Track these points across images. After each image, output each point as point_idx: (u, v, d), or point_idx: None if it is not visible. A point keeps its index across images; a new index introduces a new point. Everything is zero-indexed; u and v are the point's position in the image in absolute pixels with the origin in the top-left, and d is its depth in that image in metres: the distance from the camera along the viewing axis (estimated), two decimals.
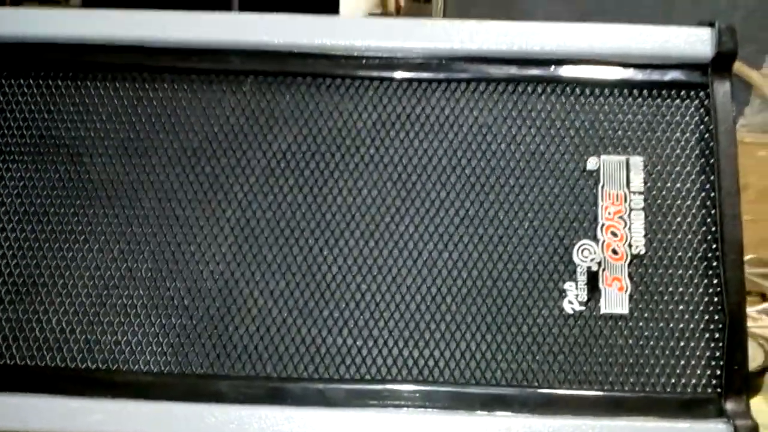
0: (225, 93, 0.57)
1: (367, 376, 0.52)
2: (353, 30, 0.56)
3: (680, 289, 0.52)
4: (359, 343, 0.53)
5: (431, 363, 0.52)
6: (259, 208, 0.55)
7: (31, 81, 0.57)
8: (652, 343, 0.52)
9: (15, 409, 0.52)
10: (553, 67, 0.56)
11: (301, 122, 0.56)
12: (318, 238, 0.54)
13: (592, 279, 0.52)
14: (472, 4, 1.07)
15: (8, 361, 0.53)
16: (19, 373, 0.53)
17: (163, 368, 0.53)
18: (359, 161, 0.55)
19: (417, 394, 0.51)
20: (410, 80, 0.56)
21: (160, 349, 0.54)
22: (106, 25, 0.57)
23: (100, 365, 0.53)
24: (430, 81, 0.56)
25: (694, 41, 0.55)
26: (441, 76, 0.56)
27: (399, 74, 0.57)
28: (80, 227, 0.55)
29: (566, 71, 0.56)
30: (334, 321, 0.53)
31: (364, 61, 0.57)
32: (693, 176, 0.54)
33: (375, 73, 0.57)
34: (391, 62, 0.57)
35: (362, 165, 0.55)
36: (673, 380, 0.51)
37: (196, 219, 0.55)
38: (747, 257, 0.54)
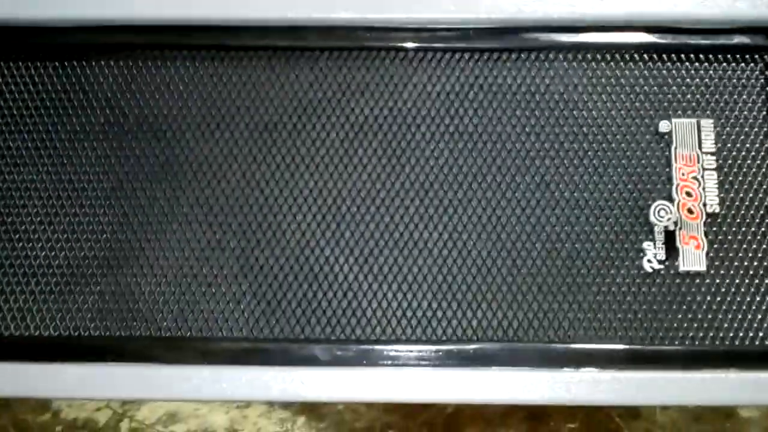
0: (302, 69, 0.58)
1: (464, 337, 0.53)
2: (425, 2, 0.57)
3: (754, 246, 0.54)
4: (453, 305, 0.54)
5: (516, 324, 0.54)
6: (339, 179, 0.56)
7: (111, 62, 0.58)
8: (729, 298, 0.54)
9: (114, 378, 0.54)
10: (621, 33, 0.57)
11: (377, 95, 0.57)
12: (398, 205, 0.56)
13: (670, 238, 0.54)
14: None
15: (102, 333, 0.54)
16: (113, 343, 0.54)
17: (254, 334, 0.54)
18: (435, 131, 0.57)
19: (506, 354, 0.53)
20: (482, 50, 0.57)
21: (251, 316, 0.55)
22: (187, 5, 0.57)
23: (194, 333, 0.54)
24: (501, 50, 0.57)
25: (759, 5, 0.56)
26: (512, 45, 0.57)
27: (471, 44, 0.57)
28: (168, 201, 0.56)
29: (634, 38, 0.57)
30: (418, 285, 0.55)
31: (436, 33, 0.57)
32: (761, 136, 0.55)
33: (447, 45, 0.58)
34: (462, 33, 0.57)
35: (438, 135, 0.57)
36: (751, 333, 0.53)
37: (279, 190, 0.56)
38: None
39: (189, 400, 0.59)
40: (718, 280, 0.54)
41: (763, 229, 0.55)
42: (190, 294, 0.55)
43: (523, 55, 0.58)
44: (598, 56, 0.57)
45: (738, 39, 0.57)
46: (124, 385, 0.54)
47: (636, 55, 0.57)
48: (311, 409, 0.64)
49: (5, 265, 0.56)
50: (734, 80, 0.57)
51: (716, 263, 0.54)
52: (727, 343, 0.53)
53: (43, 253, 0.56)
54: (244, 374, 0.54)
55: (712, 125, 0.56)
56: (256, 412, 0.65)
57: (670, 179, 0.55)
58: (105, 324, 0.56)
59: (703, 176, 0.55)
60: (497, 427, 0.64)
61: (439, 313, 0.55)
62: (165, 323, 0.55)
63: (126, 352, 0.55)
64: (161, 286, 0.56)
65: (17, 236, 0.56)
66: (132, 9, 0.58)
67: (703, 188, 0.55)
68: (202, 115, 0.58)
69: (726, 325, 0.54)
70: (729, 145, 0.56)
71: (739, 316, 0.54)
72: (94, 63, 0.59)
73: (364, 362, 0.54)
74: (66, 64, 0.59)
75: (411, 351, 0.54)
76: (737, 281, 0.54)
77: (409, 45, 0.59)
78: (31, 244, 0.56)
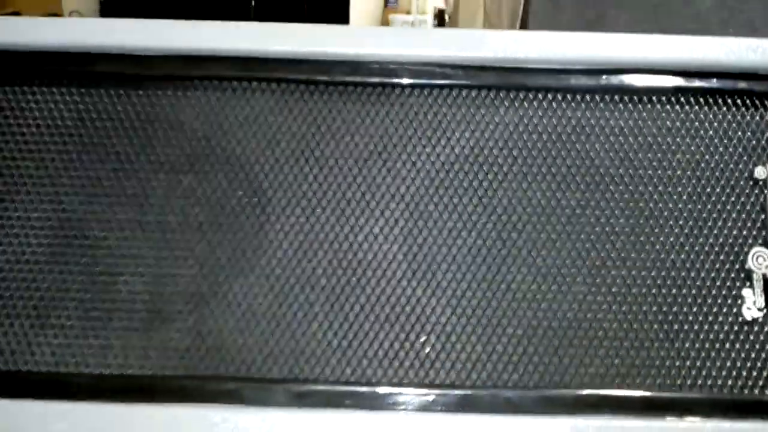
0: (393, 105, 0.57)
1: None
2: (529, 42, 0.57)
3: None
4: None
5: (614, 371, 0.52)
6: (428, 212, 0.55)
7: (199, 93, 0.57)
8: None
9: (198, 419, 0.52)
10: (718, 79, 0.57)
11: (467, 133, 0.57)
12: (491, 245, 0.55)
13: None
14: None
15: (195, 372, 0.52)
16: (204, 383, 0.52)
17: (347, 376, 0.53)
18: (526, 170, 0.56)
19: (613, 401, 0.52)
20: (580, 91, 0.57)
21: (342, 356, 0.53)
22: (279, 40, 0.57)
23: (283, 374, 0.53)
24: (599, 91, 0.57)
25: None
26: (610, 87, 0.57)
27: (567, 85, 0.57)
28: (256, 235, 0.55)
29: (731, 84, 0.57)
30: (525, 331, 0.54)
31: (533, 72, 0.57)
32: None
33: (542, 85, 0.57)
34: (562, 74, 0.57)
35: (531, 175, 0.56)
36: None
37: (370, 227, 0.55)
38: None
39: None
40: None
41: None
42: (278, 333, 0.53)
43: (620, 98, 0.57)
44: (693, 101, 0.57)
45: None
46: (210, 426, 0.51)
47: (731, 101, 0.57)
48: None
49: (86, 300, 0.53)
50: None
51: None
52: None
53: (127, 288, 0.54)
54: (331, 417, 0.51)
55: None
56: None
57: (766, 225, 0.55)
58: (190, 363, 0.53)
59: None
60: None
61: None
62: (253, 363, 0.53)
63: (217, 394, 0.52)
64: (249, 324, 0.53)
65: (100, 271, 0.54)
66: (223, 41, 0.56)
67: None
68: (291, 148, 0.56)
69: None
70: None
71: None
72: (180, 94, 0.57)
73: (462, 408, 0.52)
74: (151, 93, 0.57)
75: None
76: None
77: (494, 82, 0.58)
78: (115, 279, 0.54)
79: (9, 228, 0.55)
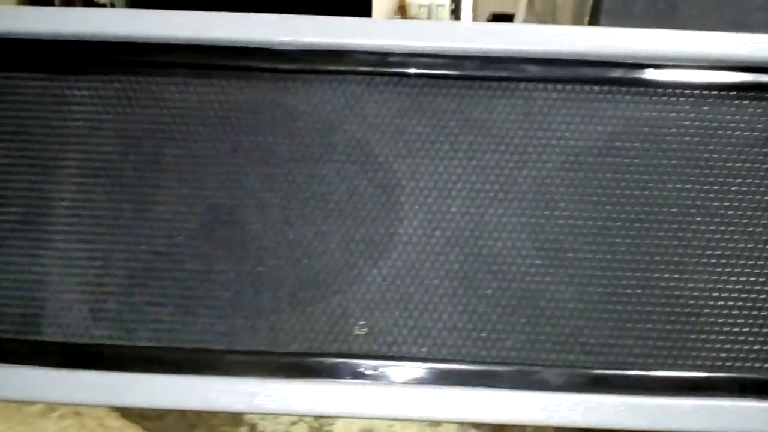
0: (518, 99, 0.60)
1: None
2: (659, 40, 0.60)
3: None
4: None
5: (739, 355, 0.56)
6: (554, 202, 0.59)
7: (332, 85, 0.60)
8: None
9: (349, 394, 0.57)
10: None
11: (592, 126, 0.60)
12: (613, 229, 0.59)
13: None
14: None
15: (340, 350, 0.58)
16: (349, 360, 0.56)
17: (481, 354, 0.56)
18: (642, 161, 0.59)
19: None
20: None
21: (468, 335, 0.56)
22: (414, 35, 0.60)
23: (420, 354, 0.56)
24: (715, 88, 0.60)
25: None
26: (729, 83, 0.60)
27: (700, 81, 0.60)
28: (392, 221, 0.58)
29: None
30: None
31: (660, 68, 0.60)
32: None
33: (673, 79, 0.60)
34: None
35: (647, 164, 0.59)
36: None
37: (496, 212, 0.58)
38: None
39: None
40: None
41: None
42: (408, 313, 0.57)
43: (741, 93, 0.60)
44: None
45: None
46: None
47: None
48: (500, 429, 0.66)
49: (235, 282, 0.57)
50: None
51: None
52: None
53: (274, 272, 0.57)
54: (471, 395, 0.56)
55: None
56: (448, 430, 0.66)
57: None
58: (335, 342, 0.57)
59: None
60: None
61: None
62: (394, 342, 0.56)
63: (357, 371, 0.56)
64: (389, 306, 0.57)
65: (247, 255, 0.58)
66: (361, 35, 0.60)
67: None
68: (422, 141, 0.59)
69: None
70: None
71: None
72: (318, 87, 0.61)
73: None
74: (291, 86, 0.63)
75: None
76: None
77: (619, 77, 0.60)
78: (262, 262, 0.57)
79: (159, 213, 0.58)
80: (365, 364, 0.56)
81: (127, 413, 0.64)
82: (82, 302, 0.57)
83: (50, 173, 0.58)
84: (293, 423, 0.65)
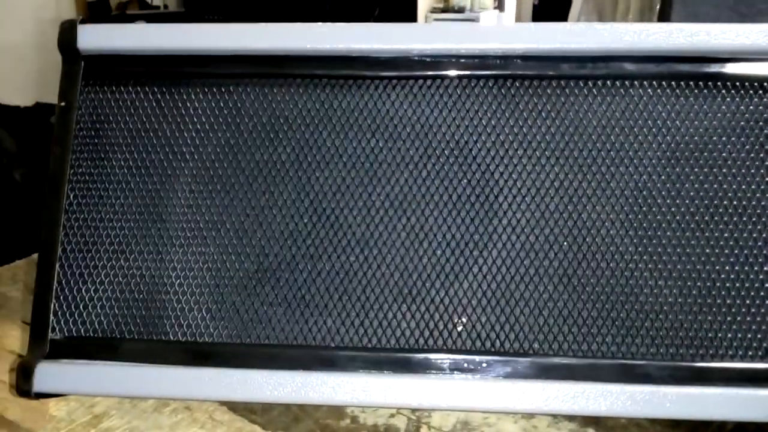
0: (615, 97, 0.61)
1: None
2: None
3: None
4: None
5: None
6: (652, 198, 0.60)
7: (431, 90, 0.62)
8: None
9: (451, 388, 0.59)
10: None
11: (687, 123, 0.60)
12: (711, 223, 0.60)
13: None
14: None
15: (445, 346, 0.60)
16: (454, 355, 0.58)
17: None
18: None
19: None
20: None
21: (580, 332, 0.58)
22: (509, 38, 0.61)
23: (521, 348, 0.58)
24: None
25: None
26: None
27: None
28: (491, 220, 0.60)
29: None
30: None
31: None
32: None
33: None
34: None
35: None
36: None
37: (594, 209, 0.60)
38: None
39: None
40: None
41: None
42: (508, 309, 0.59)
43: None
44: None
45: None
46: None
47: None
48: (597, 422, 0.67)
49: (344, 281, 0.60)
50: None
51: None
52: None
53: (379, 271, 0.60)
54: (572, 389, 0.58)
55: None
56: (543, 422, 0.68)
57: None
58: (441, 337, 0.59)
59: None
60: None
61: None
62: (498, 338, 0.58)
63: (461, 365, 0.58)
64: (491, 301, 0.59)
65: (354, 257, 0.60)
66: (441, 40, 0.61)
67: None
68: (519, 142, 0.61)
69: None
70: None
71: None
72: (417, 92, 0.63)
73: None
74: (390, 92, 0.65)
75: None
76: None
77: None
78: (368, 262, 0.60)
79: (270, 216, 0.62)
80: (466, 359, 0.59)
81: (235, 407, 0.67)
82: (200, 303, 0.60)
83: (167, 182, 0.62)
84: (392, 415, 0.68)
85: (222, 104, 0.63)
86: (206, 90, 0.63)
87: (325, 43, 0.61)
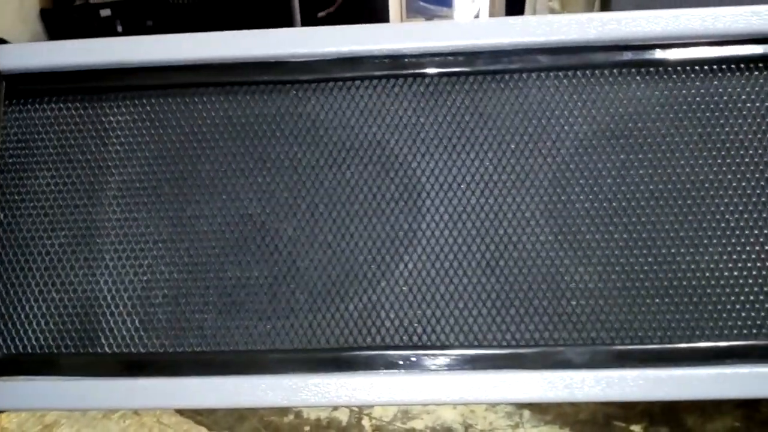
0: (531, 89, 0.63)
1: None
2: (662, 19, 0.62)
3: None
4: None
5: (756, 323, 0.59)
6: (570, 186, 0.61)
7: (350, 91, 0.63)
8: None
9: (383, 384, 0.61)
10: None
11: (603, 110, 0.62)
12: (628, 208, 0.62)
13: None
14: None
15: (373, 343, 0.62)
16: (382, 352, 0.60)
17: (511, 339, 0.60)
18: (655, 140, 0.61)
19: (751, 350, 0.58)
20: (708, 63, 0.63)
21: (502, 321, 0.60)
22: (421, 37, 0.62)
23: (449, 341, 0.60)
24: (724, 62, 0.61)
25: None
26: (736, 56, 0.61)
27: (697, 57, 0.61)
28: (415, 218, 0.62)
29: None
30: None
31: (664, 48, 0.61)
32: None
33: (678, 57, 0.61)
34: (639, 49, 0.61)
35: (659, 143, 0.61)
36: None
37: (515, 200, 0.61)
38: None
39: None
40: None
41: None
42: (435, 304, 0.60)
43: (744, 66, 0.61)
44: None
45: None
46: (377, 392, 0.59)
47: None
48: (532, 403, 0.69)
49: (272, 285, 0.61)
50: None
51: None
52: None
53: (307, 273, 0.61)
54: (500, 378, 0.60)
55: None
56: (481, 407, 0.70)
57: None
58: (368, 335, 0.61)
59: None
60: (713, 415, 0.68)
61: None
62: (424, 332, 0.60)
63: (389, 361, 0.60)
64: (416, 298, 0.61)
65: (282, 259, 0.62)
66: (358, 42, 0.62)
67: None
68: (440, 138, 0.62)
69: None
70: None
71: None
72: (337, 95, 0.64)
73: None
74: (311, 96, 0.66)
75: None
76: None
77: (630, 60, 0.62)
78: (296, 265, 0.62)
79: (197, 226, 0.63)
80: (397, 355, 0.60)
81: (181, 410, 0.69)
82: (132, 315, 0.61)
83: (94, 196, 0.63)
84: (335, 408, 0.70)
85: (144, 116, 0.64)
86: (128, 103, 0.64)
87: (242, 51, 0.62)
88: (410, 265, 0.61)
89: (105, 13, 3.05)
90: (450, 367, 0.59)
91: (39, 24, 2.83)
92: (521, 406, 0.67)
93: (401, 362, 0.60)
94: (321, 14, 2.96)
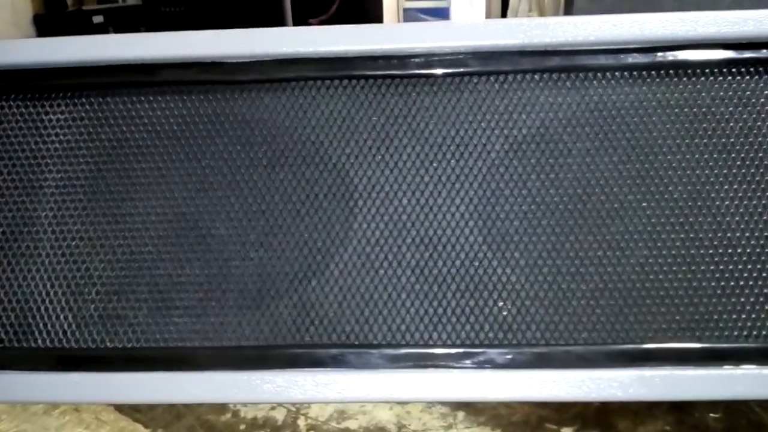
0: (463, 93, 0.64)
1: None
2: (588, 26, 0.63)
3: None
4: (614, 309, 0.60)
5: (685, 324, 0.59)
6: (499, 190, 0.62)
7: (281, 94, 0.64)
8: None
9: (310, 382, 0.62)
10: (765, 50, 0.61)
11: (533, 115, 0.63)
12: (555, 212, 0.63)
13: None
14: None
15: (302, 341, 0.63)
16: (311, 350, 0.61)
17: (434, 339, 0.60)
18: (581, 147, 0.62)
19: (673, 354, 0.58)
20: (637, 68, 0.65)
21: (429, 322, 0.61)
22: (357, 40, 0.63)
23: (378, 340, 0.61)
24: (653, 67, 0.62)
25: None
26: (666, 61, 0.62)
27: (626, 63, 0.62)
28: (347, 218, 0.62)
29: None
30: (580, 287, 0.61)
31: (592, 54, 0.62)
32: None
33: (605, 63, 0.62)
34: (619, 53, 0.62)
35: (587, 147, 0.62)
36: None
37: (446, 206, 0.62)
38: None
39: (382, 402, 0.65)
40: None
41: None
42: (372, 304, 0.61)
43: (673, 72, 0.62)
44: (744, 71, 0.62)
45: None
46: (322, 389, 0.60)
47: None
48: (467, 404, 0.70)
49: (204, 283, 0.62)
50: None
51: None
52: None
53: (239, 271, 0.62)
54: (422, 377, 0.60)
55: None
56: (417, 407, 0.71)
57: None
58: (298, 333, 0.61)
59: None
60: (645, 418, 0.69)
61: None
62: (352, 331, 0.61)
63: (318, 359, 0.61)
64: (346, 297, 0.61)
65: (214, 257, 0.63)
66: (309, 44, 0.63)
67: None
68: (373, 140, 0.63)
69: None
70: None
71: None
72: (272, 95, 0.64)
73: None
74: (247, 96, 0.66)
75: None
76: None
77: (557, 65, 0.63)
78: (228, 263, 0.62)
79: (132, 223, 0.64)
80: (325, 353, 0.60)
81: (121, 407, 0.70)
82: (66, 310, 0.62)
83: (31, 193, 0.64)
84: (272, 408, 0.70)
85: (84, 114, 0.65)
86: (67, 101, 0.64)
87: (178, 51, 0.63)
88: (341, 265, 0.62)
89: (98, 19, 3.07)
90: (377, 366, 0.60)
91: (32, 29, 2.85)
92: (456, 407, 0.67)
93: (329, 360, 0.60)
94: (313, 21, 2.98)
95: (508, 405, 0.69)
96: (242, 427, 0.68)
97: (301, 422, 0.69)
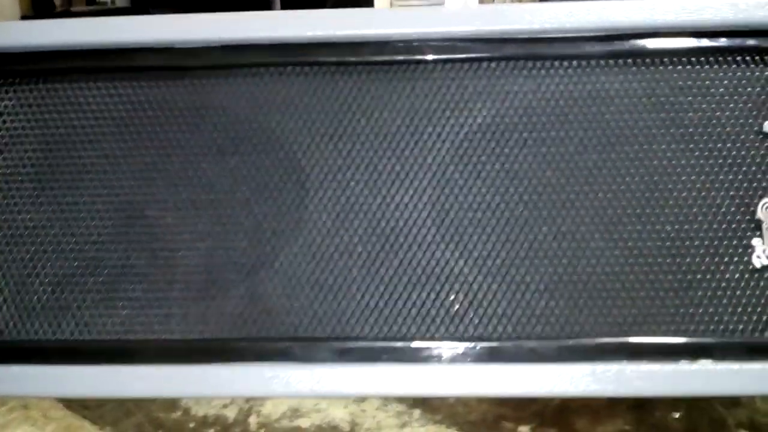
0: (418, 81, 0.62)
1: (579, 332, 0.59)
2: (545, 14, 0.61)
3: None
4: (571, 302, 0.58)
5: (631, 318, 0.57)
6: (453, 180, 0.60)
7: (236, 80, 0.63)
8: None
9: (256, 375, 0.60)
10: (725, 38, 0.60)
11: (489, 103, 0.61)
12: (510, 202, 0.60)
13: None
14: None
15: (248, 334, 0.62)
16: (257, 343, 0.59)
17: (384, 332, 0.59)
18: (545, 136, 0.60)
19: (630, 347, 0.57)
20: (590, 57, 0.63)
21: (379, 316, 0.59)
22: (309, 25, 0.62)
23: (327, 333, 0.59)
24: (613, 56, 0.61)
25: None
26: (621, 50, 0.60)
27: (583, 51, 0.61)
28: (297, 208, 0.61)
29: (737, 42, 0.60)
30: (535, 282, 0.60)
31: (549, 42, 0.61)
32: None
33: (562, 52, 0.61)
34: (576, 41, 0.61)
35: (549, 140, 0.60)
36: None
37: (401, 196, 0.60)
38: None
39: (324, 397, 0.63)
40: None
41: None
42: (321, 296, 0.60)
43: (632, 61, 0.61)
44: (702, 60, 0.60)
45: None
46: (265, 383, 0.58)
47: (740, 58, 0.60)
48: (424, 402, 0.68)
49: (149, 274, 0.60)
50: None
51: None
52: None
53: (185, 262, 0.60)
54: (371, 371, 0.58)
55: None
56: (372, 405, 0.69)
57: None
58: (244, 326, 0.60)
59: None
60: (604, 417, 0.67)
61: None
62: (300, 324, 0.59)
63: (264, 352, 0.59)
64: (295, 289, 0.60)
65: (159, 247, 0.61)
66: (260, 29, 0.62)
67: None
68: (326, 128, 0.62)
69: None
70: None
71: None
72: (222, 81, 0.63)
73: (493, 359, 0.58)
74: (196, 82, 0.65)
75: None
76: None
77: (513, 53, 0.62)
78: (174, 253, 0.61)
79: (77, 212, 0.62)
80: (271, 346, 0.59)
81: (70, 404, 0.68)
82: (9, 301, 0.61)
83: None
84: (225, 405, 0.69)
85: (32, 101, 0.63)
86: (14, 89, 0.63)
87: (127, 36, 0.62)
88: (291, 256, 0.60)
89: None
90: (325, 360, 0.59)
91: None
92: (412, 405, 0.65)
93: (276, 353, 0.59)
94: None
95: (465, 403, 0.68)
96: (192, 425, 0.67)
97: (252, 420, 0.67)
